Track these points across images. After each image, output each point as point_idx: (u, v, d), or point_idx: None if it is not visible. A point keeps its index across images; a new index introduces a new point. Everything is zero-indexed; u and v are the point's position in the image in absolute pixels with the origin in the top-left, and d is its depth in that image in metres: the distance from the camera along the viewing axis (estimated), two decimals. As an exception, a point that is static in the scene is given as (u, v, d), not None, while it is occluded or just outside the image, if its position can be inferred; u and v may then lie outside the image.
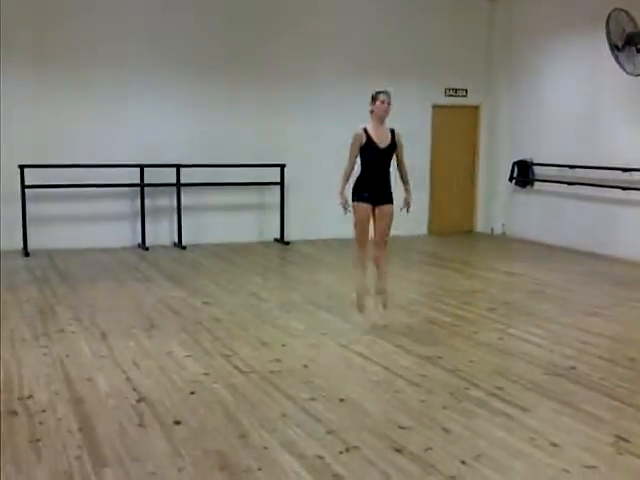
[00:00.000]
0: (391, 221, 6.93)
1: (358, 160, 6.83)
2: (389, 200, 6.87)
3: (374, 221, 6.89)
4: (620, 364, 5.95)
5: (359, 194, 6.82)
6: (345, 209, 6.82)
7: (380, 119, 6.80)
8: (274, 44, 12.02)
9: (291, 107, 12.22)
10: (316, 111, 12.34)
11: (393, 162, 6.89)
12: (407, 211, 6.95)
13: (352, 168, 6.81)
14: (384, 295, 7.07)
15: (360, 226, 6.88)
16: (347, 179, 6.81)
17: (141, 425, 4.60)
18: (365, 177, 6.83)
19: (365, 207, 6.80)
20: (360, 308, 7.11)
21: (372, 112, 6.82)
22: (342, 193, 6.78)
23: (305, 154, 12.23)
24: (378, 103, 6.77)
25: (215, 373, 5.58)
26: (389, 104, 6.78)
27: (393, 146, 6.81)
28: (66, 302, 7.81)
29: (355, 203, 6.82)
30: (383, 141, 6.77)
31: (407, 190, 7.00)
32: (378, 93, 6.81)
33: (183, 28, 11.49)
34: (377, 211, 6.85)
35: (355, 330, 6.89)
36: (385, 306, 7.09)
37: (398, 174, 6.98)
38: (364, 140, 6.74)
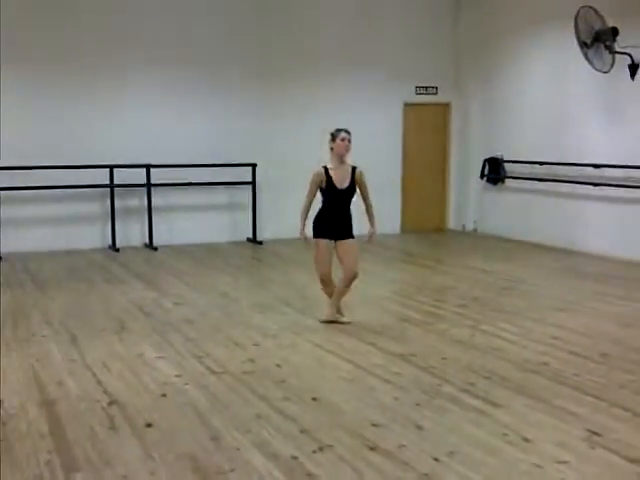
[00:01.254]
0: (357, 254, 7.02)
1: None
2: (350, 235, 6.98)
3: (339, 257, 6.97)
4: (592, 359, 5.99)
5: (320, 230, 6.92)
6: (309, 244, 6.94)
7: (340, 157, 6.88)
8: (245, 43, 11.97)
9: (262, 106, 12.17)
10: (287, 110, 12.30)
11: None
12: (371, 242, 7.12)
13: (310, 205, 6.90)
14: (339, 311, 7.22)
15: (322, 261, 6.96)
16: (306, 216, 6.89)
17: (112, 428, 4.55)
18: (325, 214, 6.92)
19: (326, 242, 6.91)
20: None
21: (332, 150, 6.89)
22: (303, 231, 6.88)
23: (276, 153, 12.19)
24: (338, 141, 6.84)
25: (187, 374, 5.55)
26: (349, 142, 6.85)
27: (352, 186, 6.89)
28: (37, 305, 7.72)
29: (316, 239, 6.92)
30: (343, 182, 6.85)
31: (372, 224, 7.11)
32: (338, 131, 6.88)
33: (159, 28, 11.40)
34: (340, 247, 6.94)
35: (328, 329, 6.88)
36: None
37: (364, 209, 7.09)
38: (324, 180, 6.80)
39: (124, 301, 7.95)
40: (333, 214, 6.90)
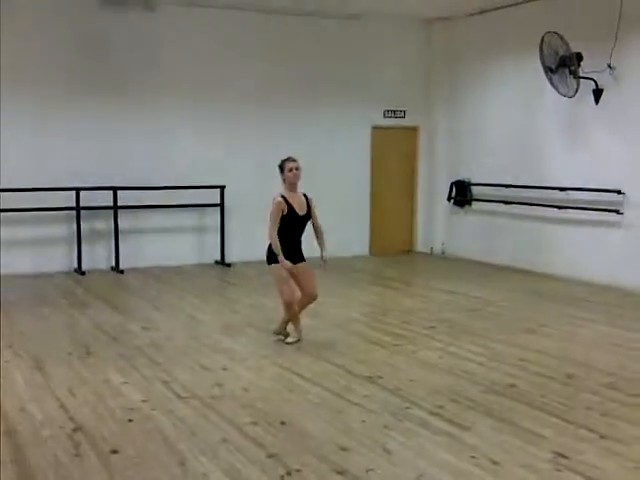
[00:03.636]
0: (314, 277, 7.16)
1: None
2: (303, 258, 7.12)
3: (298, 280, 7.07)
4: (558, 381, 6.03)
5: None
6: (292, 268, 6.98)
7: (293, 186, 7.01)
8: (211, 68, 12.00)
9: (230, 128, 12.17)
10: (256, 134, 12.31)
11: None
12: (325, 267, 7.13)
13: (275, 234, 6.93)
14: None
15: (286, 284, 7.01)
16: (279, 243, 6.91)
17: (77, 455, 4.48)
18: (285, 240, 6.95)
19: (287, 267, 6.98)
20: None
21: (284, 180, 6.98)
22: (284, 261, 6.87)
23: (244, 175, 12.16)
24: (287, 172, 6.95)
25: (154, 400, 5.48)
26: (298, 169, 6.97)
27: (309, 212, 7.06)
28: (-1, 329, 7.61)
29: (276, 265, 6.93)
30: (301, 209, 7.01)
31: (323, 248, 7.20)
32: (284, 162, 7.00)
33: (129, 52, 11.38)
34: (299, 270, 7.03)
35: (296, 352, 6.86)
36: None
37: (314, 235, 7.20)
38: (286, 209, 6.90)
39: (89, 325, 7.86)
40: (292, 240, 7.00)
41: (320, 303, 7.78)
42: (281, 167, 6.99)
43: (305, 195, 7.10)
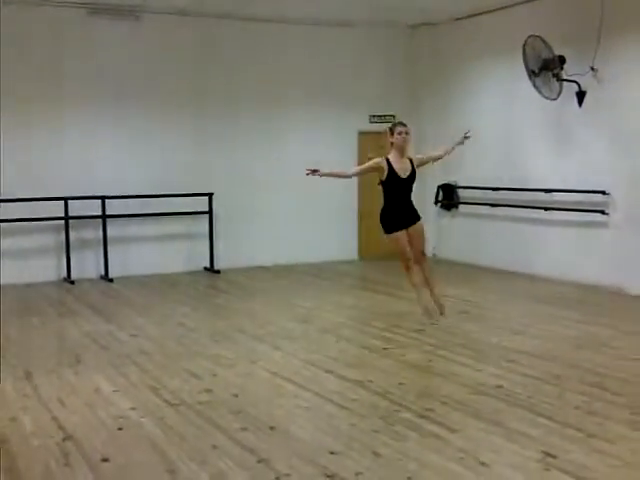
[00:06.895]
0: (424, 235, 7.59)
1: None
2: (418, 217, 7.45)
3: (409, 240, 7.36)
4: (545, 381, 6.07)
5: (391, 224, 7.31)
6: (313, 172, 7.17)
7: (401, 150, 7.24)
8: (202, 76, 12.03)
9: (218, 137, 12.20)
10: (242, 141, 12.34)
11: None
12: (466, 137, 8.09)
13: (353, 173, 7.45)
14: (439, 302, 7.66)
15: (401, 252, 7.40)
16: (337, 176, 7.46)
17: (67, 464, 4.49)
18: (392, 206, 7.29)
19: (401, 235, 7.33)
20: (428, 316, 7.66)
21: (392, 144, 7.23)
22: (321, 172, 7.11)
23: (233, 182, 12.20)
24: (396, 135, 7.19)
25: (143, 407, 5.50)
26: (407, 134, 7.24)
27: (414, 174, 7.30)
28: (-12, 340, 7.60)
29: (389, 235, 7.31)
30: (405, 171, 7.23)
31: (448, 149, 7.99)
32: (395, 125, 7.33)
33: (117, 61, 11.42)
34: (410, 231, 7.34)
35: (285, 357, 6.88)
36: (442, 313, 7.69)
37: (443, 158, 8.02)
38: (386, 170, 7.11)
39: (79, 334, 7.86)
40: (399, 205, 7.28)
41: (309, 308, 7.85)
42: (391, 130, 7.23)
43: (410, 159, 7.30)
